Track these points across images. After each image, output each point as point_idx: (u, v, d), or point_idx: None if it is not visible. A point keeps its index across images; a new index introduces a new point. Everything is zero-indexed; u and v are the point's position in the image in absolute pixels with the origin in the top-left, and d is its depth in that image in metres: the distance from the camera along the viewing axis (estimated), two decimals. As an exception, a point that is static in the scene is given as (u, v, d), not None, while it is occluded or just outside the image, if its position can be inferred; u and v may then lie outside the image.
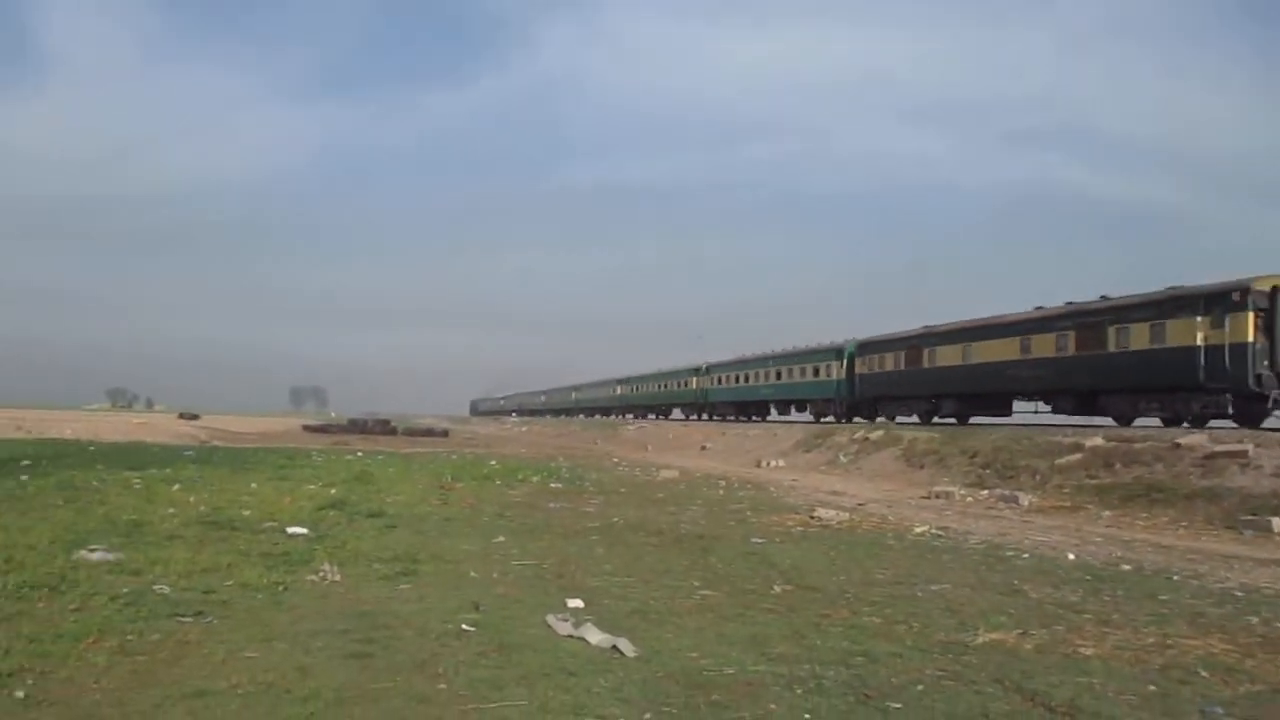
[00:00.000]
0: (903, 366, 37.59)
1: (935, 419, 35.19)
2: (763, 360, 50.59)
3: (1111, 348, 26.70)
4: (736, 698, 5.51)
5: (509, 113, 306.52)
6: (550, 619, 7.22)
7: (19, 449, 27.52)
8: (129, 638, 6.31)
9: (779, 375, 48.57)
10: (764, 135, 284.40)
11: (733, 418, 53.07)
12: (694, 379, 60.08)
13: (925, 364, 36.02)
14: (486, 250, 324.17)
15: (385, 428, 63.90)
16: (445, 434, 62.90)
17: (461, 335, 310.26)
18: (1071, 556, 11.81)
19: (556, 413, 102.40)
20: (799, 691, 5.66)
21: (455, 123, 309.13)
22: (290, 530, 11.73)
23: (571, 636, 6.81)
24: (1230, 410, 23.88)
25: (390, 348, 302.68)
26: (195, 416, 77.12)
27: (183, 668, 5.74)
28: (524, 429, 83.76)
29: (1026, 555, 11.97)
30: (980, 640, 7.08)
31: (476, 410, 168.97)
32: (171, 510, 13.32)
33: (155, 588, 7.94)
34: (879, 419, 37.64)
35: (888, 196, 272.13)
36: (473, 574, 9.41)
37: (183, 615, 7.01)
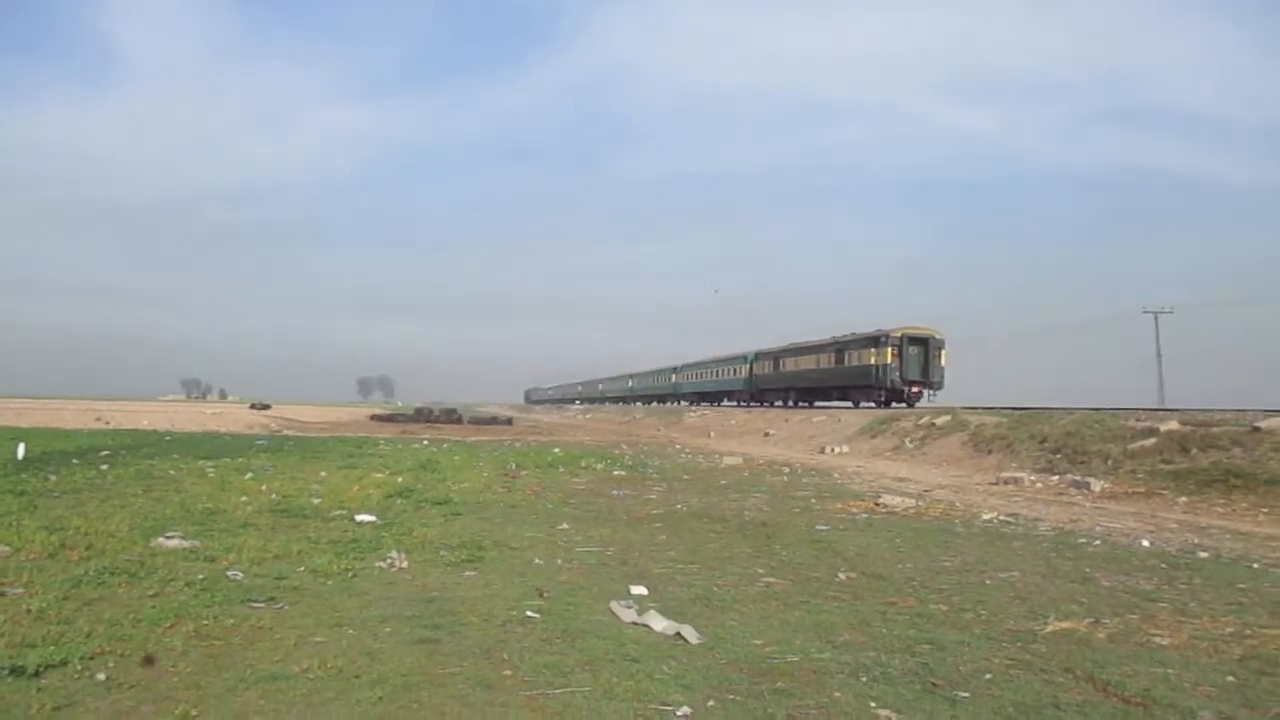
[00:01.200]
0: (770, 371, 59.69)
1: (795, 404, 55.29)
2: (717, 361, 71.73)
3: (849, 363, 48.26)
4: (801, 685, 5.50)
5: (568, 104, 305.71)
6: (614, 606, 7.26)
7: (99, 440, 28.44)
8: (204, 622, 6.49)
9: (717, 374, 70.71)
10: (826, 119, 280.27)
11: (704, 404, 69.45)
12: (744, 366, 66.01)
13: (781, 369, 57.98)
14: (548, 241, 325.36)
15: (451, 417, 64.49)
16: (509, 422, 63.28)
17: (521, 325, 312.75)
18: (1145, 543, 11.53)
19: (614, 400, 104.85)
20: (864, 679, 5.62)
21: (514, 116, 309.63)
22: (359, 518, 11.96)
23: (635, 623, 6.85)
24: (883, 398, 44.82)
25: (454, 339, 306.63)
26: (266, 407, 78.81)
27: (256, 652, 5.89)
28: (587, 416, 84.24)
29: (1098, 542, 11.72)
30: (1050, 629, 6.96)
31: (530, 399, 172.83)
32: (244, 498, 13.65)
33: (229, 574, 8.15)
34: (810, 404, 52.57)
35: (957, 179, 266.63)
36: (537, 561, 9.50)
37: (255, 601, 7.19)
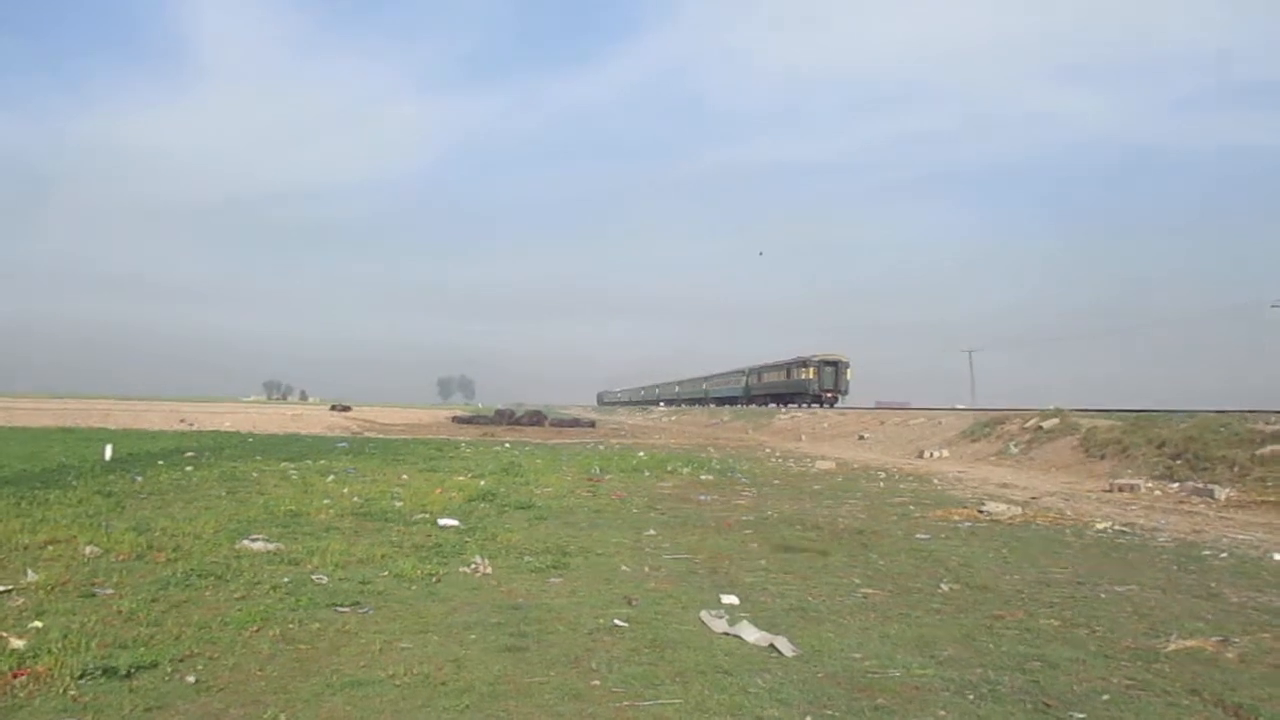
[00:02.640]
0: (757, 382, 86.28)
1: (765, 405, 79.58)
2: (726, 374, 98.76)
3: (793, 378, 75.21)
4: (903, 702, 5.42)
5: (645, 94, 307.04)
6: (704, 615, 7.26)
7: (183, 441, 29.44)
8: (290, 626, 6.68)
9: (728, 383, 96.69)
10: (910, 108, 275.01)
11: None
12: (743, 378, 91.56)
13: (762, 380, 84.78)
14: (628, 236, 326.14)
15: (534, 418, 65.07)
16: (592, 425, 63.65)
17: (599, 323, 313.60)
18: (1277, 557, 11.09)
19: (689, 402, 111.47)
20: (971, 698, 5.52)
21: (591, 107, 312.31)
22: (442, 522, 12.18)
23: (727, 634, 6.83)
24: (810, 403, 70.32)
25: (533, 338, 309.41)
26: (347, 408, 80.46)
27: (341, 657, 6.03)
28: (672, 418, 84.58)
29: (1224, 554, 11.31)
30: (1173, 647, 6.74)
31: (602, 402, 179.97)
32: (326, 501, 14.01)
33: (314, 578, 8.37)
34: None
35: (1048, 168, 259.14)
36: (624, 568, 9.55)
37: (340, 605, 7.37)
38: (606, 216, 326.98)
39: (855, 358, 75.93)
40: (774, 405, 76.82)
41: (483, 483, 17.55)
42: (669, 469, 22.78)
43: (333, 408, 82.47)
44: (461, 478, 18.40)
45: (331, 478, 17.72)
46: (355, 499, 14.45)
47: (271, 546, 9.75)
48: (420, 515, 12.79)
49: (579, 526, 12.53)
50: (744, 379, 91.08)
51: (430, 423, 63.09)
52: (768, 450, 35.37)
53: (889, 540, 11.93)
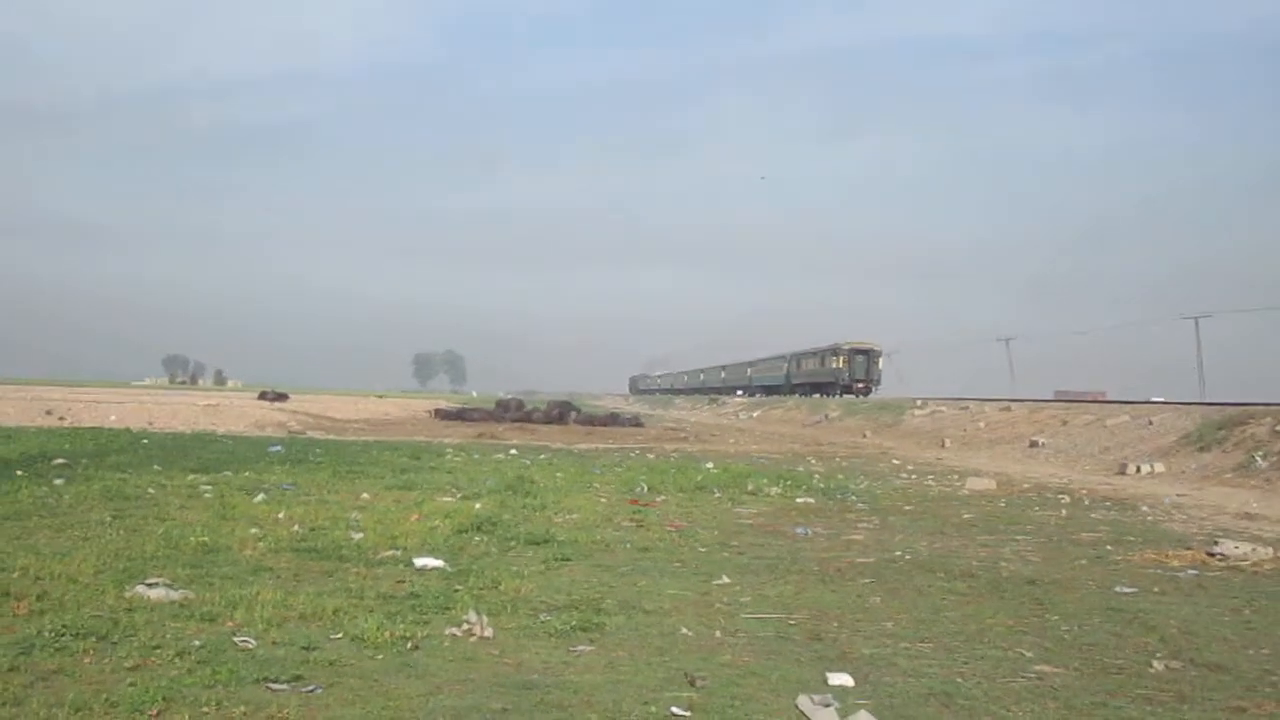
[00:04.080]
0: (796, 369, 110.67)
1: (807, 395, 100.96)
2: (769, 359, 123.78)
3: (826, 366, 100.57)
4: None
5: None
6: (802, 703, 7.23)
7: (51, 442, 29.75)
8: (204, 710, 6.72)
9: (771, 370, 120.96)
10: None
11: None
12: (784, 365, 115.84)
13: (799, 368, 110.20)
14: (676, 146, 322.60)
15: (558, 412, 64.47)
16: (637, 422, 64.02)
17: (638, 277, 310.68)
18: None
19: (730, 390, 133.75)
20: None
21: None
22: (419, 562, 12.27)
23: (835, 730, 6.80)
24: (841, 393, 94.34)
25: (545, 298, 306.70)
26: (282, 397, 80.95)
27: (278, 757, 6.07)
28: (753, 414, 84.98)
29: None
30: None
31: (637, 389, 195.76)
32: (254, 530, 14.15)
33: (237, 640, 8.44)
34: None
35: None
36: (684, 631, 9.54)
37: (275, 681, 7.41)
38: (645, 119, 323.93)
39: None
40: (818, 395, 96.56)
41: (478, 506, 17.66)
42: (749, 488, 22.82)
43: (262, 396, 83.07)
44: (448, 498, 18.55)
45: (261, 497, 17.90)
46: (295, 528, 14.62)
47: (176, 594, 9.83)
48: (389, 552, 12.91)
49: (619, 571, 12.58)
50: (785, 365, 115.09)
51: (403, 418, 63.54)
52: (895, 461, 35.28)
53: (1075, 595, 11.84)
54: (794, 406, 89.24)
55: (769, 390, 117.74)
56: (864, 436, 52.13)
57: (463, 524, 15.46)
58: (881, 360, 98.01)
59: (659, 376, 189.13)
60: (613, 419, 66.13)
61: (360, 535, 14.12)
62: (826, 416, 73.46)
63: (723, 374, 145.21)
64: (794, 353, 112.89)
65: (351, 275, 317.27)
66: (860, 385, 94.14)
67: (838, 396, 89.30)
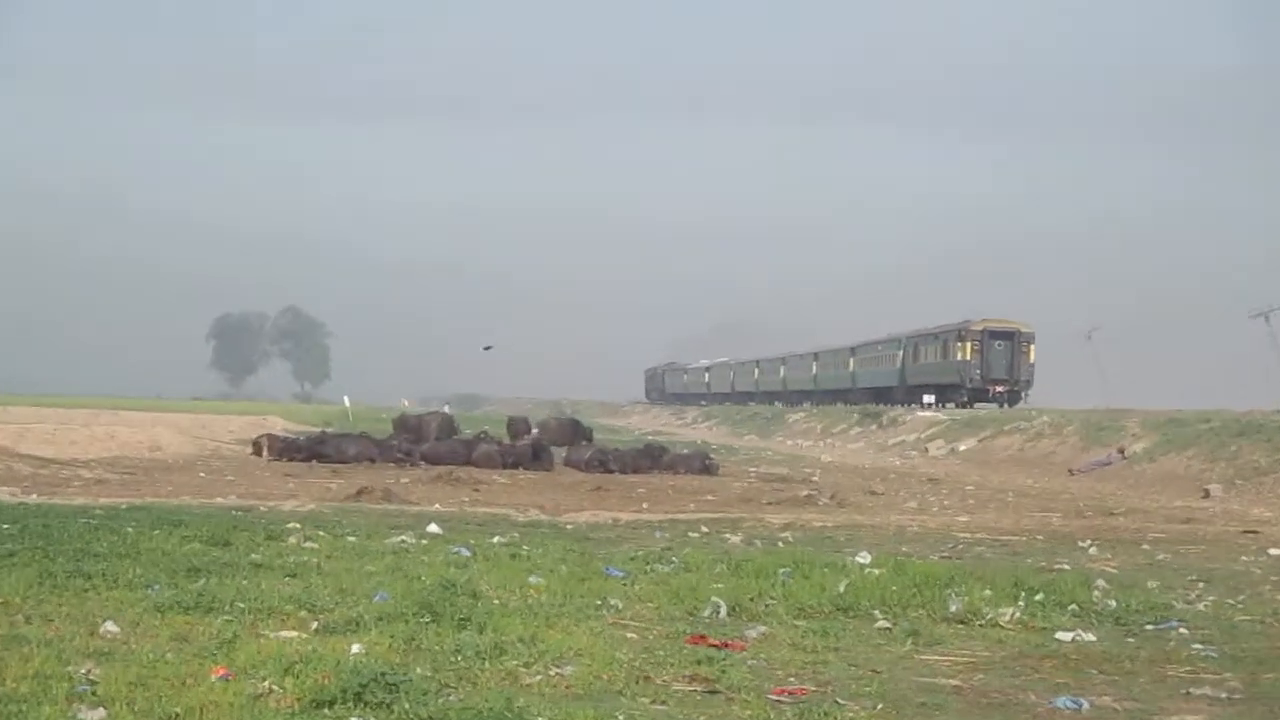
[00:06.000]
0: (912, 359, 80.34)
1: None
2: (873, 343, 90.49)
3: (949, 358, 72.81)
4: None
5: None
6: None
7: None
8: None
9: (851, 362, 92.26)
10: None
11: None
12: (897, 354, 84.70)
13: (915, 360, 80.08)
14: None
15: (570, 432, 47.94)
16: (706, 465, 41.32)
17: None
18: None
19: (808, 397, 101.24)
20: None
21: None
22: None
23: None
24: (967, 402, 69.88)
25: (483, 227, 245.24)
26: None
27: None
28: (959, 446, 56.64)
29: None
30: None
31: (663, 390, 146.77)
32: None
33: None
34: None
35: None
36: None
37: None
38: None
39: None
40: (935, 404, 70.17)
41: (356, 648, 10.19)
42: (951, 607, 13.43)
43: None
44: (290, 631, 11.06)
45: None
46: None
47: None
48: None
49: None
50: (899, 353, 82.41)
51: (190, 455, 37.85)
52: (1275, 551, 21.36)
53: None
54: (1039, 433, 53.03)
55: (878, 394, 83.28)
56: (1204, 496, 33.44)
57: (323, 691, 8.59)
58: (1033, 348, 69.21)
59: (707, 368, 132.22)
60: (654, 456, 42.17)
61: (98, 716, 8.17)
62: (1121, 453, 43.36)
63: (814, 365, 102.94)
64: (912, 334, 80.00)
65: (99, 164, 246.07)
66: (1000, 389, 67.11)
67: (964, 404, 65.28)
